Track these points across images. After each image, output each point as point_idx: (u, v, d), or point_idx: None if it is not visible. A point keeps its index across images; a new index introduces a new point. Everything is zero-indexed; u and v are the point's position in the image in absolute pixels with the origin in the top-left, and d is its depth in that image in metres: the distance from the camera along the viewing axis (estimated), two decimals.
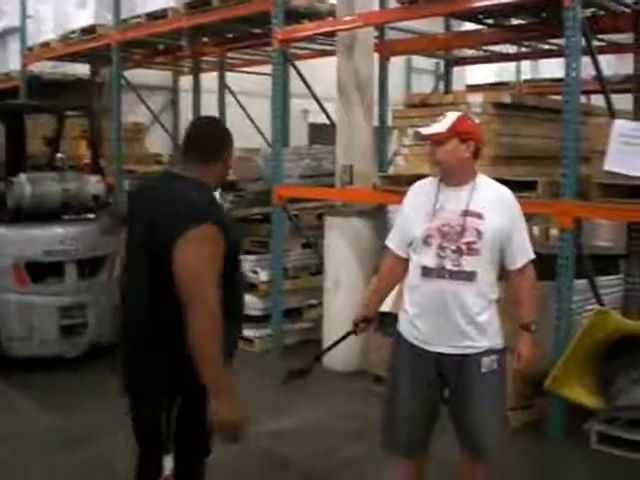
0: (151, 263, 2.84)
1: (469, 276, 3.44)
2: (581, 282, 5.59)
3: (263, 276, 7.53)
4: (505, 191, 3.62)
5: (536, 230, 10.24)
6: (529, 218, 9.70)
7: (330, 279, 6.86)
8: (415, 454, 3.79)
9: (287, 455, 4.96)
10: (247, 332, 7.18)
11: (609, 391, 5.03)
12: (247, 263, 7.57)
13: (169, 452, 2.88)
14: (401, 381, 3.66)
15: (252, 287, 7.52)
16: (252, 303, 7.39)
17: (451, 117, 3.54)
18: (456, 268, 3.43)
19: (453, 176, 3.53)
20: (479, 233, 3.43)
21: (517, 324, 3.65)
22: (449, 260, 3.44)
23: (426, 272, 3.49)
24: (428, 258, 3.48)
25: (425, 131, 3.57)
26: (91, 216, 7.15)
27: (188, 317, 2.70)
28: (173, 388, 2.87)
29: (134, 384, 3.04)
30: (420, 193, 3.66)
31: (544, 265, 5.62)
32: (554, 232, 8.27)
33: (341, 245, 6.76)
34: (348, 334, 3.96)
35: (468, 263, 3.43)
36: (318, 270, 7.56)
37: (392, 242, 3.76)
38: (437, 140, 3.51)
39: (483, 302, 3.50)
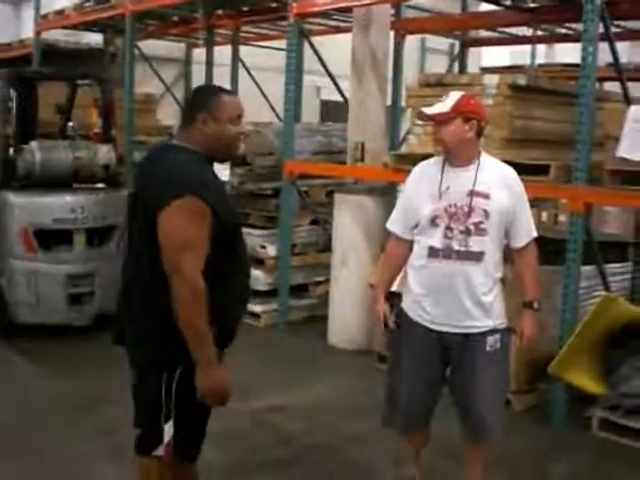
0: (146, 235, 2.84)
1: (477, 256, 3.45)
2: (589, 268, 5.58)
3: (271, 251, 7.54)
4: (509, 170, 3.63)
5: (545, 215, 10.23)
6: (538, 203, 9.74)
7: (338, 256, 6.86)
8: (415, 431, 3.83)
9: (291, 430, 4.99)
10: (253, 307, 7.21)
11: (613, 378, 5.03)
12: (255, 238, 7.59)
13: (169, 419, 2.90)
14: (404, 358, 3.68)
15: (259, 262, 7.53)
16: (259, 278, 7.41)
17: (454, 97, 3.53)
18: (463, 249, 3.44)
19: (457, 156, 3.52)
20: (486, 213, 3.44)
21: (517, 300, 3.72)
22: (456, 241, 3.45)
23: (433, 253, 3.49)
24: (435, 239, 3.49)
25: (429, 111, 3.56)
26: (101, 185, 7.15)
27: (171, 289, 2.73)
28: (173, 357, 2.88)
29: (135, 354, 3.05)
30: (424, 174, 3.65)
31: (552, 250, 5.65)
32: (562, 217, 8.26)
33: (350, 223, 6.76)
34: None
35: (476, 243, 3.44)
36: (326, 247, 7.57)
37: (395, 225, 3.74)
38: (441, 120, 3.50)
39: (489, 282, 3.52)
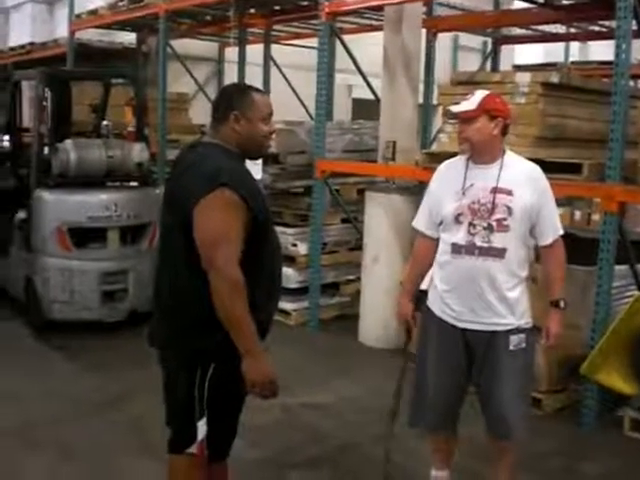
0: (181, 231, 2.86)
1: (499, 253, 3.47)
2: (622, 268, 5.54)
3: (302, 249, 7.56)
4: (534, 167, 3.64)
5: (578, 215, 10.15)
6: (572, 202, 9.64)
7: (369, 255, 6.87)
8: (442, 430, 3.84)
9: (322, 428, 5.02)
10: (284, 304, 7.24)
11: None
12: (287, 236, 7.61)
13: (202, 417, 2.93)
14: (430, 356, 3.69)
15: (291, 260, 7.56)
16: (290, 276, 7.43)
17: (480, 95, 3.55)
18: (486, 245, 3.46)
19: (482, 153, 3.54)
20: (509, 209, 3.46)
21: (547, 301, 3.68)
22: (479, 237, 3.47)
23: (456, 249, 3.52)
24: (459, 236, 3.51)
25: (455, 108, 3.58)
26: (134, 183, 7.22)
27: (211, 284, 2.75)
28: (206, 354, 2.92)
29: (167, 351, 3.07)
30: (448, 172, 3.68)
31: (585, 249, 5.60)
32: (596, 217, 8.18)
33: (381, 221, 6.76)
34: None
35: (498, 240, 3.46)
36: (357, 245, 7.58)
37: (420, 224, 3.77)
38: (466, 117, 3.51)
39: (513, 279, 3.52)
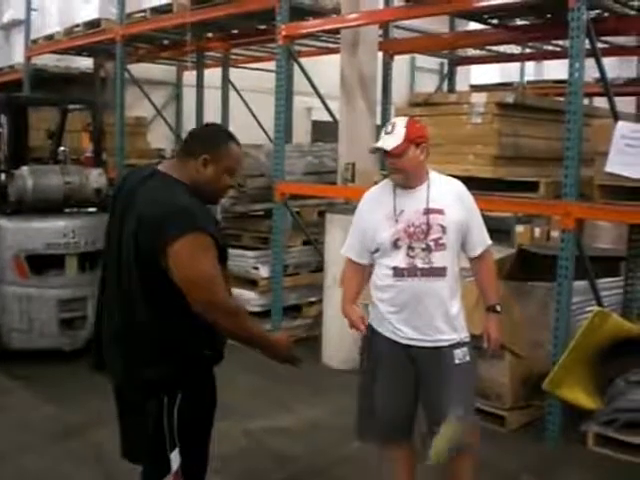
0: (138, 264, 2.81)
1: (440, 271, 3.56)
2: (581, 283, 5.59)
3: (263, 272, 7.54)
4: (457, 183, 3.75)
5: (537, 231, 10.26)
6: (530, 219, 9.73)
7: (330, 276, 6.85)
8: (396, 442, 3.84)
9: (287, 452, 4.97)
10: None
11: (607, 393, 5.03)
12: (248, 259, 7.58)
13: (175, 447, 2.88)
14: (378, 373, 3.72)
15: (252, 283, 7.52)
16: (252, 299, 7.40)
17: (401, 126, 3.59)
18: (427, 265, 3.54)
19: (412, 180, 3.62)
20: (443, 228, 3.56)
21: (483, 306, 3.86)
22: (419, 259, 3.55)
23: (398, 272, 3.58)
24: (398, 259, 3.57)
25: (385, 146, 3.59)
26: (93, 209, 7.14)
27: (211, 321, 2.80)
28: (173, 384, 2.88)
29: (130, 382, 3.01)
30: (375, 200, 3.75)
31: (545, 266, 5.66)
32: (555, 233, 8.28)
33: (341, 242, 6.66)
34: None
35: (437, 259, 3.55)
36: (318, 267, 7.57)
37: (352, 253, 3.83)
38: (397, 153, 3.55)
39: (453, 295, 3.64)
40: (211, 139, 3.00)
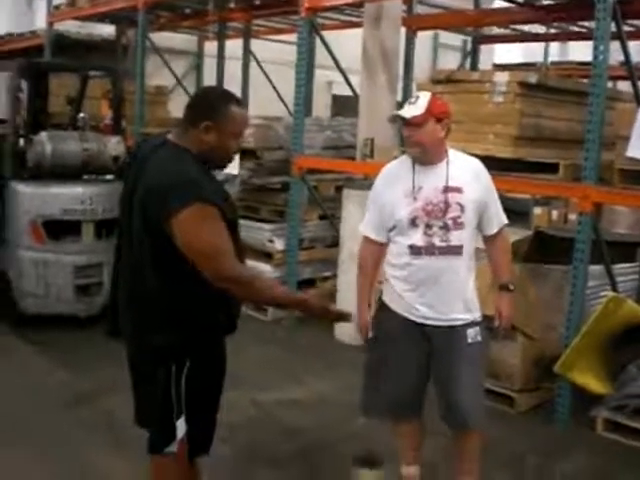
0: (147, 233, 2.83)
1: (457, 250, 3.55)
2: (597, 268, 5.56)
3: (279, 245, 7.54)
4: (476, 162, 3.73)
5: (555, 214, 10.20)
6: (549, 201, 9.67)
7: (345, 251, 6.85)
8: (405, 419, 3.87)
9: (296, 425, 4.99)
10: None
11: (618, 378, 5.02)
12: (263, 232, 7.59)
13: (181, 415, 2.91)
14: (390, 351, 3.73)
15: (267, 256, 7.53)
16: (267, 272, 7.41)
17: (424, 98, 3.56)
18: (444, 244, 3.53)
19: (430, 156, 3.58)
20: (462, 207, 3.54)
21: (496, 285, 3.84)
22: (437, 237, 3.53)
23: (415, 251, 3.56)
24: (416, 237, 3.55)
25: (405, 114, 3.56)
26: (110, 177, 7.16)
27: (231, 293, 2.82)
28: (181, 351, 2.90)
29: (140, 349, 3.04)
30: (394, 176, 3.69)
31: (561, 249, 5.63)
32: (573, 216, 8.23)
33: (358, 218, 6.69)
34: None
35: (455, 237, 3.54)
36: (334, 242, 7.56)
37: (370, 230, 3.77)
38: (416, 122, 3.52)
39: (470, 273, 3.65)
40: (211, 104, 2.93)
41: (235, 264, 2.80)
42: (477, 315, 3.66)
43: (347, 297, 6.75)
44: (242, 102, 3.05)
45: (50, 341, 6.28)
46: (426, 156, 3.57)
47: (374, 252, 3.77)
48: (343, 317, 3.11)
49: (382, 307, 3.78)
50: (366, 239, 3.80)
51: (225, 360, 3.10)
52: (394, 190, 3.62)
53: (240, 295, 2.86)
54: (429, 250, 3.53)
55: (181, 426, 2.91)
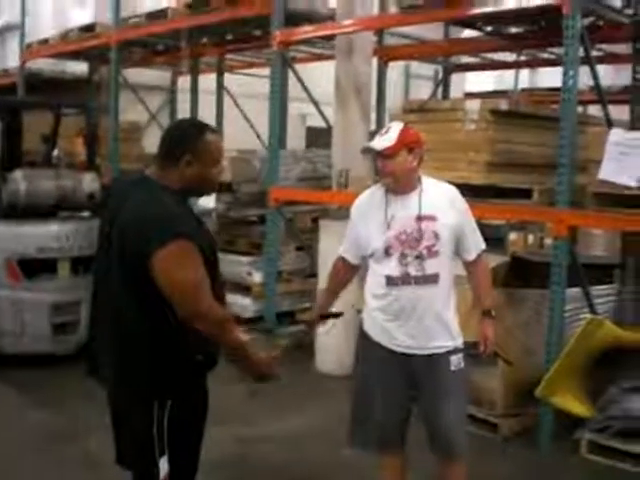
0: (128, 273, 2.80)
1: (434, 278, 3.54)
2: (574, 290, 5.59)
3: (257, 278, 7.53)
4: (450, 188, 3.72)
5: (531, 238, 10.27)
6: (524, 226, 9.71)
7: (323, 282, 6.83)
8: (389, 450, 3.84)
9: (279, 460, 4.95)
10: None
11: (600, 400, 5.03)
12: (241, 265, 7.57)
13: (163, 454, 2.87)
14: (373, 381, 3.71)
15: (246, 289, 7.51)
16: (245, 305, 7.38)
17: (396, 128, 3.59)
18: (420, 273, 3.53)
19: (403, 185, 3.60)
20: (436, 234, 3.54)
21: (478, 310, 3.83)
22: (412, 266, 3.53)
23: (391, 281, 3.57)
24: (391, 267, 3.56)
25: (376, 145, 3.59)
26: (85, 214, 7.12)
27: (202, 331, 2.77)
28: (163, 390, 2.87)
29: (121, 389, 2.99)
30: (367, 205, 3.73)
31: (538, 273, 5.66)
32: (548, 240, 8.29)
33: (335, 248, 6.66)
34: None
35: (430, 266, 3.53)
36: (312, 273, 7.56)
37: (349, 254, 3.84)
38: (388, 154, 3.54)
39: (448, 301, 3.63)
40: (186, 138, 2.92)
41: (211, 302, 2.77)
42: (459, 341, 3.65)
43: (326, 327, 6.74)
44: (215, 129, 3.06)
45: (27, 380, 6.20)
46: (399, 185, 3.59)
47: (347, 269, 3.88)
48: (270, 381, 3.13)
49: (364, 336, 3.76)
50: (343, 258, 3.88)
51: (207, 397, 3.08)
52: (368, 221, 3.65)
53: (208, 332, 2.78)
54: (405, 280, 3.53)
55: (163, 466, 2.86)
